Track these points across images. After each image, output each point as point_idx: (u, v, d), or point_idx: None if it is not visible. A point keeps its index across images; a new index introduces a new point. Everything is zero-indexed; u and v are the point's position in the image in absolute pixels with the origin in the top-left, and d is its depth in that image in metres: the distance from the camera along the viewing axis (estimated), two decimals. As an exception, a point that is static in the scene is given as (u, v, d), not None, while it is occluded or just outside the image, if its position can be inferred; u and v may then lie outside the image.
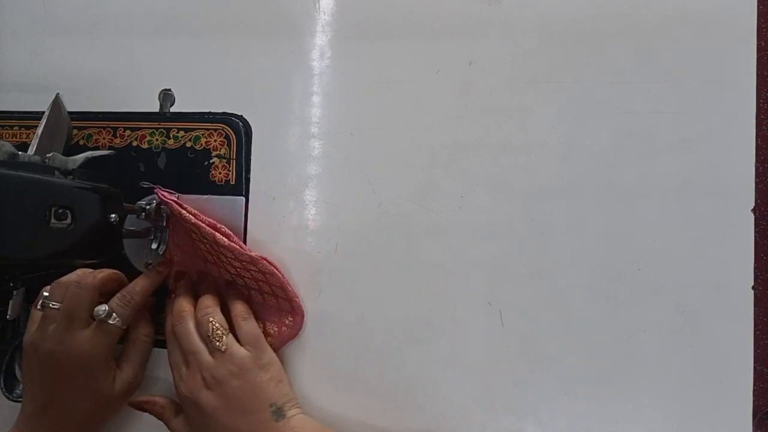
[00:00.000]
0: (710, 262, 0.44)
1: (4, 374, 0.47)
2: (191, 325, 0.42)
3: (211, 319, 0.42)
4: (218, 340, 0.41)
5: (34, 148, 0.42)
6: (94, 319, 0.42)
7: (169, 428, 0.43)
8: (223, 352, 0.41)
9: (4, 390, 0.46)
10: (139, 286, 0.44)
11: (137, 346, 0.44)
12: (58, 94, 0.44)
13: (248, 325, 0.43)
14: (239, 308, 0.44)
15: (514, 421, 0.44)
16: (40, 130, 0.42)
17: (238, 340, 0.42)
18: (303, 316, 0.45)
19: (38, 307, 0.42)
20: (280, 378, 0.42)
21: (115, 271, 0.44)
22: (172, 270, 0.46)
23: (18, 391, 0.47)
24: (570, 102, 0.45)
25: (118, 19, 0.50)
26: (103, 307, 0.42)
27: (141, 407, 0.44)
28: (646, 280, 0.44)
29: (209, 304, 0.44)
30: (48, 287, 0.42)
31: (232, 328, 0.43)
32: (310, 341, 0.46)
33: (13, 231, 0.35)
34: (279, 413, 0.40)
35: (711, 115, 0.44)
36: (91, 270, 0.43)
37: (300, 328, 0.45)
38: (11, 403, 0.46)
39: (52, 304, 0.41)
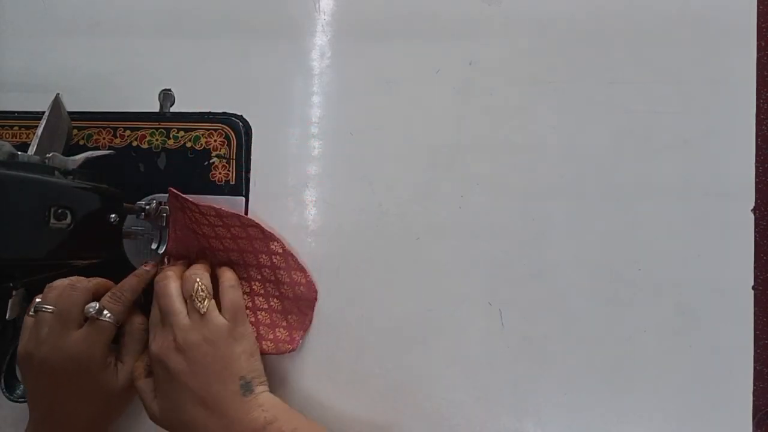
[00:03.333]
0: (710, 262, 0.44)
1: (4, 375, 0.46)
2: (173, 286, 0.42)
3: (198, 279, 0.41)
4: (200, 301, 0.40)
5: (34, 149, 0.41)
6: (87, 320, 0.42)
7: (136, 387, 0.42)
8: (202, 314, 0.40)
9: (4, 391, 0.46)
10: (128, 284, 0.44)
11: (134, 335, 0.44)
12: (58, 94, 0.44)
13: (233, 294, 0.42)
14: (228, 275, 0.44)
15: (514, 421, 0.44)
16: (40, 131, 0.42)
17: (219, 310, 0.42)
18: (315, 298, 0.45)
19: (30, 312, 0.42)
20: (251, 352, 0.41)
21: (108, 280, 0.44)
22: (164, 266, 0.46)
23: (19, 392, 0.47)
24: (570, 102, 0.45)
25: (118, 19, 0.50)
26: (94, 304, 0.41)
27: None
28: (646, 280, 0.44)
29: (199, 267, 0.44)
30: (40, 294, 0.42)
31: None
32: (311, 341, 0.46)
33: (13, 231, 0.35)
34: (247, 387, 0.40)
35: (711, 115, 0.44)
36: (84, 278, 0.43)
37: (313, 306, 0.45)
38: (12, 403, 0.46)
39: (45, 308, 0.41)
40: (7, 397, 0.46)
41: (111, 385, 0.42)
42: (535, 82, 0.46)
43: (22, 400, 0.46)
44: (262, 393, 0.41)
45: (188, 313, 0.41)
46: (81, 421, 0.42)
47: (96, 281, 0.43)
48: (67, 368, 0.41)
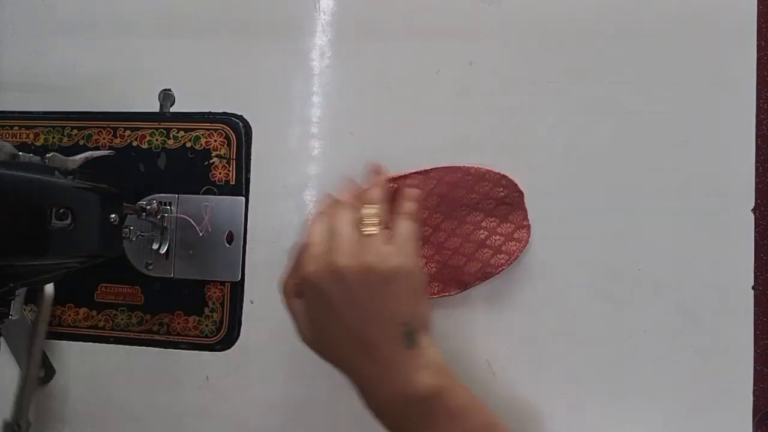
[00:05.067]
0: (710, 262, 0.44)
1: None
2: (347, 210, 0.37)
3: (373, 204, 0.37)
4: (371, 225, 0.36)
5: None
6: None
7: (286, 306, 0.38)
8: (369, 237, 0.35)
9: None
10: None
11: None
12: None
13: (406, 225, 0.37)
14: (408, 206, 0.39)
15: (515, 421, 0.44)
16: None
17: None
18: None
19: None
20: (418, 292, 0.36)
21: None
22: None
23: None
24: (570, 102, 0.45)
25: (118, 19, 0.50)
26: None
27: None
28: (646, 280, 0.44)
29: (377, 194, 0.39)
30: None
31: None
32: (310, 341, 0.46)
33: (13, 231, 0.35)
34: (410, 337, 0.34)
35: (711, 115, 0.44)
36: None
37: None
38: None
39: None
40: None
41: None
42: (535, 82, 0.46)
43: None
44: (429, 348, 0.35)
45: (357, 237, 0.36)
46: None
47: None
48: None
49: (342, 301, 0.35)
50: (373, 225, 0.36)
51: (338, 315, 0.35)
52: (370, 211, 0.37)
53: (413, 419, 0.34)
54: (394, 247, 0.36)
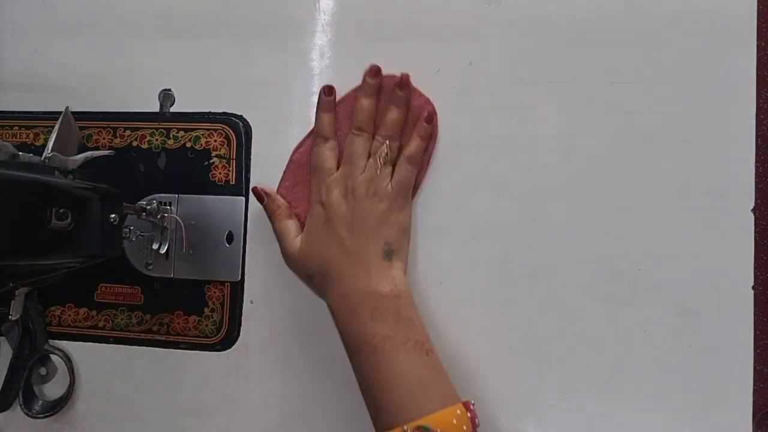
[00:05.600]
0: (710, 262, 0.44)
1: (23, 390, 0.46)
2: (364, 142, 0.44)
3: (387, 142, 0.43)
4: (380, 162, 0.43)
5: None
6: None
7: (274, 228, 0.45)
8: (379, 175, 0.43)
9: (22, 406, 0.46)
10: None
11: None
12: (67, 107, 0.44)
13: (408, 171, 0.44)
14: (413, 149, 0.44)
15: (514, 421, 0.44)
16: (50, 144, 0.41)
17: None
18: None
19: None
20: (404, 228, 0.44)
21: None
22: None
23: (37, 407, 0.47)
24: (570, 102, 0.45)
25: (118, 19, 0.50)
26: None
27: (260, 196, 0.45)
28: (646, 280, 0.44)
29: (395, 128, 0.44)
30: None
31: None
32: (311, 341, 0.46)
33: (13, 231, 0.35)
34: (389, 254, 0.42)
35: (711, 115, 0.44)
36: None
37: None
38: (30, 419, 0.46)
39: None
40: (26, 414, 0.46)
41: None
42: (535, 82, 0.46)
43: (41, 416, 0.46)
44: (400, 270, 0.42)
45: (365, 169, 0.43)
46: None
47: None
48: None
49: (345, 219, 0.42)
50: (385, 162, 0.43)
51: (337, 230, 0.42)
52: (386, 148, 0.43)
53: (365, 310, 0.40)
54: (394, 188, 0.43)
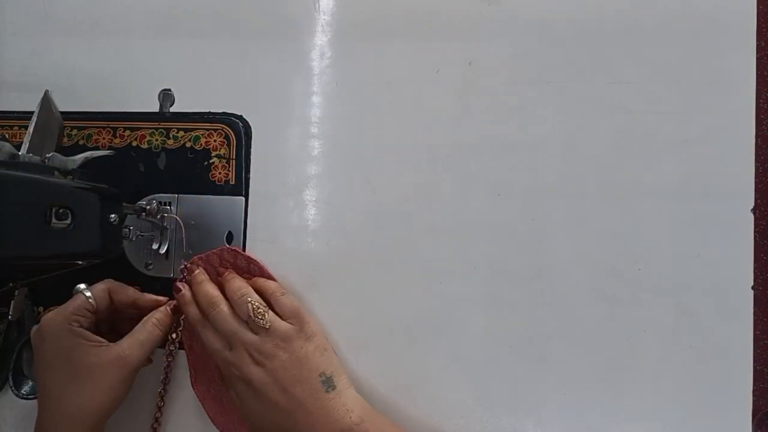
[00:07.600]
0: (710, 262, 0.44)
1: (12, 372, 0.47)
2: (226, 309, 0.42)
3: (249, 299, 0.42)
4: (261, 318, 0.41)
5: (26, 147, 0.41)
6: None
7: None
8: (267, 329, 0.41)
9: (12, 388, 0.46)
10: (131, 290, 0.45)
11: (145, 326, 0.43)
12: (47, 91, 0.44)
13: (287, 299, 0.43)
14: (273, 285, 0.44)
15: (514, 421, 0.44)
16: (30, 129, 0.41)
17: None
18: None
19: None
20: (324, 347, 0.42)
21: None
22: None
23: (26, 389, 0.47)
24: (570, 102, 0.45)
25: (118, 19, 0.50)
26: (83, 285, 0.43)
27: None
28: (646, 280, 0.44)
29: (240, 285, 0.43)
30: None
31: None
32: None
33: (13, 231, 0.35)
34: (329, 383, 0.40)
35: (711, 115, 0.44)
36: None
37: None
38: (21, 401, 0.47)
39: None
40: (15, 394, 0.46)
41: (82, 359, 0.41)
42: (535, 82, 0.46)
43: (31, 396, 0.47)
44: (347, 391, 0.41)
45: (253, 330, 0.41)
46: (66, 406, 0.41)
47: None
48: (48, 347, 0.42)
49: (270, 384, 0.40)
50: (264, 314, 0.41)
51: (269, 397, 0.40)
52: (253, 305, 0.41)
53: None
54: (292, 321, 0.42)
